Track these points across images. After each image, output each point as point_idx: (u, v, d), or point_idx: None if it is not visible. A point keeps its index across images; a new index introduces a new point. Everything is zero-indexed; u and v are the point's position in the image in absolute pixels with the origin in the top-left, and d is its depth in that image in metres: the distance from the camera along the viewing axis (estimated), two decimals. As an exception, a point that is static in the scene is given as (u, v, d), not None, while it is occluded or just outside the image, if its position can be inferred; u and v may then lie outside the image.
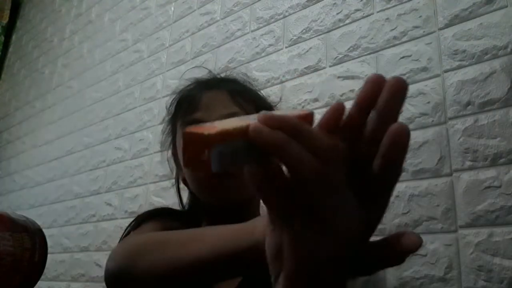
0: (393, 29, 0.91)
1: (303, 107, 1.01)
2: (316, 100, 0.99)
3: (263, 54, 1.16)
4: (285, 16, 1.15)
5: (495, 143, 0.71)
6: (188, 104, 0.69)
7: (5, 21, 2.87)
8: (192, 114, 0.67)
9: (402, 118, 0.86)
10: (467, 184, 0.72)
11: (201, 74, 0.83)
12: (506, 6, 0.76)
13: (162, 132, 0.79)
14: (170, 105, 0.75)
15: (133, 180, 1.39)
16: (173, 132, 0.75)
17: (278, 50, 1.12)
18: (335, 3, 1.04)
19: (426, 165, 0.78)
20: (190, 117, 0.67)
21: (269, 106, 0.78)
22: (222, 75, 0.82)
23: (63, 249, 1.55)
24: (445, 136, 0.77)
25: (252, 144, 0.27)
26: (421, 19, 0.87)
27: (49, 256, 0.73)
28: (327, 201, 0.28)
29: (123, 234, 0.71)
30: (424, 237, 0.74)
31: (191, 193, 0.75)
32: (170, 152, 0.78)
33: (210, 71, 0.82)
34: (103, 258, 1.35)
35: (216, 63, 1.29)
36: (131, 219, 1.40)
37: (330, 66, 0.99)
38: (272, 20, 1.18)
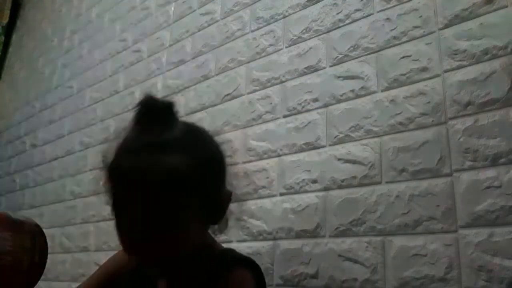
0: (393, 29, 0.91)
1: (303, 107, 1.01)
2: (316, 100, 0.99)
3: (263, 54, 1.16)
4: (285, 16, 1.15)
5: (495, 143, 0.71)
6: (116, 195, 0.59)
7: (5, 21, 2.88)
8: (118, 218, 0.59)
9: (402, 118, 0.87)
10: (467, 184, 0.72)
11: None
12: (506, 6, 0.76)
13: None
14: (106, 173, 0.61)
15: (133, 180, 1.39)
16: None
17: (278, 50, 1.12)
18: (335, 3, 1.04)
19: (426, 165, 0.78)
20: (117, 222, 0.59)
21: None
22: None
23: (63, 249, 1.55)
24: (445, 136, 0.77)
25: None
26: (421, 19, 0.87)
27: (49, 256, 0.73)
28: None
29: None
30: (424, 237, 0.74)
31: None
32: None
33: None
34: (103, 258, 1.35)
35: (216, 63, 1.29)
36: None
37: (330, 66, 0.99)
38: (272, 20, 1.18)
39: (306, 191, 0.93)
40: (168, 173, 0.57)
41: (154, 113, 0.62)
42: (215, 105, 1.23)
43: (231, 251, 0.72)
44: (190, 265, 0.65)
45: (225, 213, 0.67)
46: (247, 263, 0.69)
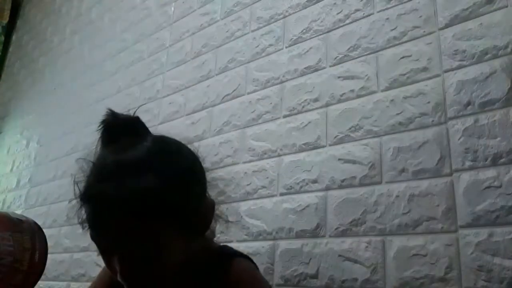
0: (393, 29, 0.91)
1: (303, 107, 1.01)
2: (316, 100, 0.99)
3: (263, 54, 1.16)
4: (285, 16, 1.15)
5: (495, 143, 0.71)
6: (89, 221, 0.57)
7: (5, 21, 2.88)
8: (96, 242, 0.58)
9: (402, 118, 0.87)
10: (467, 184, 0.72)
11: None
12: (506, 6, 0.76)
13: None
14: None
15: (133, 180, 1.39)
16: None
17: (278, 50, 1.12)
18: (335, 3, 1.04)
19: (426, 165, 0.78)
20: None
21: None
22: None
23: (63, 249, 1.55)
24: (445, 136, 0.77)
25: None
26: (421, 19, 0.87)
27: (49, 256, 0.73)
28: None
29: None
30: (424, 237, 0.74)
31: None
32: None
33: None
34: (103, 258, 1.35)
35: (216, 63, 1.29)
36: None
37: (330, 66, 0.99)
38: (272, 20, 1.18)
39: (306, 191, 0.93)
40: (139, 199, 0.54)
41: (119, 131, 0.60)
42: (215, 105, 1.23)
43: (227, 247, 0.72)
44: (186, 270, 0.63)
45: (210, 224, 0.65)
46: (243, 255, 0.70)
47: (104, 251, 0.58)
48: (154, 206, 0.55)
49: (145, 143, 0.60)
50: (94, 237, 0.57)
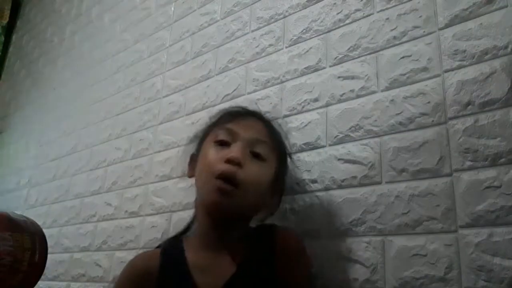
0: (393, 29, 0.91)
1: (303, 107, 1.01)
2: (316, 100, 0.99)
3: (263, 54, 1.16)
4: (285, 16, 1.15)
5: (495, 143, 0.71)
6: (228, 116, 0.84)
7: (5, 21, 2.88)
8: (227, 123, 0.80)
9: (402, 118, 0.86)
10: (467, 184, 0.72)
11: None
12: (506, 6, 0.76)
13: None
14: (214, 117, 0.90)
15: (133, 180, 1.39)
16: (202, 139, 0.86)
17: (278, 50, 1.12)
18: (335, 3, 1.04)
19: (426, 165, 0.78)
20: (224, 125, 0.80)
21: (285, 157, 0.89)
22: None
23: (63, 249, 1.55)
24: (445, 136, 0.77)
25: None
26: (421, 19, 0.87)
27: (49, 256, 0.73)
28: None
29: None
30: (424, 237, 0.74)
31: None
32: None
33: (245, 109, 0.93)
34: (103, 258, 1.35)
35: (216, 63, 1.29)
36: (131, 219, 1.40)
37: (330, 66, 0.99)
38: (272, 20, 1.18)
39: (306, 191, 0.93)
40: (274, 128, 0.88)
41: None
42: (215, 105, 1.23)
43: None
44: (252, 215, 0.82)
45: (279, 202, 0.86)
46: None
47: (226, 141, 0.77)
48: (281, 146, 0.86)
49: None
50: (228, 128, 0.79)
